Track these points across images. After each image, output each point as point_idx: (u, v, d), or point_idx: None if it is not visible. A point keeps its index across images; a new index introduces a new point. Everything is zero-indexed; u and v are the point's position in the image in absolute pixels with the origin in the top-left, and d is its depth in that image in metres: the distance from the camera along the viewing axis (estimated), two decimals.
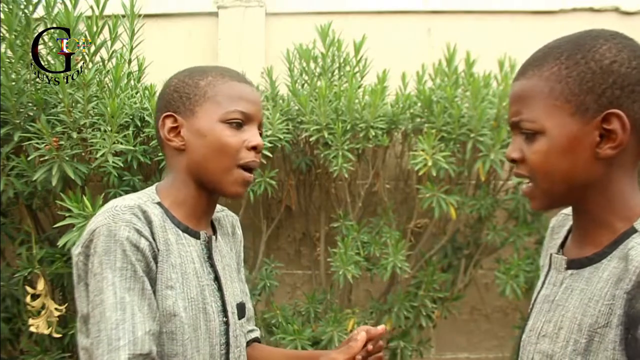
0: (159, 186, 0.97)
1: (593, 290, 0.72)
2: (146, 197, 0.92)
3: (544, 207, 0.80)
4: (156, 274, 0.86)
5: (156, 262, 0.86)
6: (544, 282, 0.85)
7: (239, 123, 0.93)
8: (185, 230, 0.93)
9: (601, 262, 0.74)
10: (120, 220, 0.83)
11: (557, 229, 0.92)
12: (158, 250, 0.86)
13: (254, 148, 0.94)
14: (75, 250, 0.85)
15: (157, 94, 1.00)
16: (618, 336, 0.67)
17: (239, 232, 1.13)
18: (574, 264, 0.78)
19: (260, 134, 0.98)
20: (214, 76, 0.95)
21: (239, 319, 1.01)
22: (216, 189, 0.95)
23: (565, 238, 0.87)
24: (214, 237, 0.99)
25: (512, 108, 0.78)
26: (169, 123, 0.94)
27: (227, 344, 0.96)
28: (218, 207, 1.07)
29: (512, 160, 0.79)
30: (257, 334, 1.15)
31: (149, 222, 0.86)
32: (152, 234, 0.86)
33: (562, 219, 0.92)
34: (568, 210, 0.91)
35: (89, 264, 0.83)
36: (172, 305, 0.86)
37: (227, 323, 0.96)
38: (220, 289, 0.96)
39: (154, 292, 0.85)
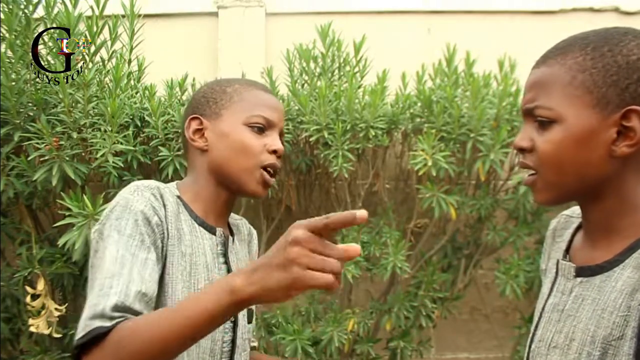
0: (179, 184, 1.00)
1: (606, 300, 0.69)
2: (168, 188, 0.95)
3: (548, 200, 0.76)
4: (164, 257, 0.87)
5: (165, 246, 0.87)
6: (551, 290, 0.81)
7: (260, 128, 0.98)
8: (202, 224, 0.96)
9: (613, 271, 0.71)
10: (138, 195, 0.86)
11: (559, 231, 0.89)
12: (169, 234, 0.88)
13: (275, 152, 0.98)
14: (94, 228, 0.87)
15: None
16: (632, 349, 0.65)
17: (255, 243, 1.15)
18: (584, 272, 0.75)
19: (282, 143, 1.02)
20: (240, 84, 1.01)
21: (250, 322, 1.02)
22: (237, 188, 0.98)
23: (570, 242, 0.84)
24: (230, 237, 1.02)
25: (528, 94, 0.75)
26: (194, 125, 0.99)
27: (233, 342, 0.96)
28: (236, 216, 1.11)
29: (520, 149, 0.76)
30: (255, 343, 1.17)
31: (164, 206, 0.89)
32: (166, 217, 0.88)
33: (564, 220, 0.89)
34: (569, 211, 0.89)
35: (103, 229, 0.84)
36: (182, 291, 0.87)
37: (234, 322, 0.96)
38: None
39: (162, 274, 0.86)
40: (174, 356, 0.73)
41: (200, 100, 1.01)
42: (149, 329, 0.71)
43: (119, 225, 0.83)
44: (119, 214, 0.84)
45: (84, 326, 0.74)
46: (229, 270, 0.98)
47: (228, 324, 0.95)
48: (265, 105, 0.99)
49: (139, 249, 0.82)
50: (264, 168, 0.98)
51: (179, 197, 0.95)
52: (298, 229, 0.67)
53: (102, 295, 0.76)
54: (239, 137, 0.96)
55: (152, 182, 0.91)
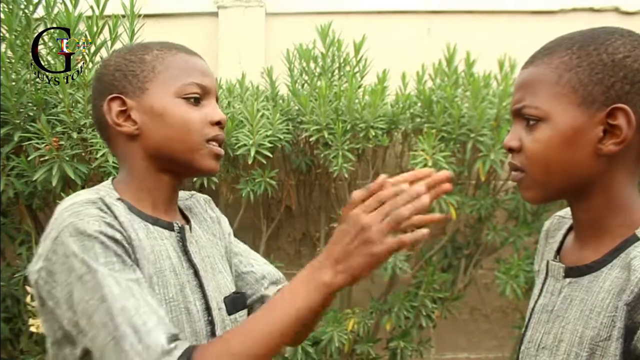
0: (114, 183, 0.86)
1: (594, 301, 0.70)
2: (105, 192, 0.81)
3: (536, 198, 0.76)
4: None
5: (132, 259, 0.76)
6: (541, 291, 0.81)
7: (197, 98, 0.84)
8: (156, 222, 0.83)
9: (601, 271, 0.71)
10: (85, 215, 0.72)
11: (552, 232, 0.89)
12: (132, 246, 0.76)
13: (218, 123, 0.85)
14: (35, 267, 0.73)
15: (98, 73, 0.88)
16: (619, 349, 0.65)
17: (215, 212, 1.02)
18: (573, 272, 0.75)
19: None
20: (159, 49, 0.85)
21: (232, 313, 0.91)
22: (186, 170, 0.86)
23: (561, 243, 0.84)
24: (187, 227, 0.89)
25: (516, 95, 0.76)
26: (116, 106, 0.82)
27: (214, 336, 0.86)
28: (185, 193, 0.98)
29: (509, 149, 0.76)
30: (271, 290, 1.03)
31: (116, 217, 0.75)
32: (123, 228, 0.75)
33: (557, 221, 0.89)
34: (563, 212, 0.89)
35: (54, 266, 0.71)
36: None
37: (212, 322, 0.86)
38: (201, 285, 0.85)
39: None
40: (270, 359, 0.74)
41: (115, 75, 0.83)
42: (243, 340, 0.71)
43: (93, 258, 0.69)
44: (80, 244, 0.70)
45: None
46: (194, 268, 0.85)
47: (208, 327, 0.85)
48: (196, 70, 0.85)
49: (127, 272, 0.71)
50: (209, 141, 0.84)
51: (120, 199, 0.81)
52: (352, 214, 0.71)
53: (144, 336, 0.67)
54: (174, 113, 0.81)
55: (91, 195, 0.76)
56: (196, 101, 0.84)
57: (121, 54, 0.86)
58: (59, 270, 0.71)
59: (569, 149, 0.71)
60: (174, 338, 0.69)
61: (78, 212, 0.72)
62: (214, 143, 0.85)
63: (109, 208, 0.76)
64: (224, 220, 1.03)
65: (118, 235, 0.73)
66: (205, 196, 1.02)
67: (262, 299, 0.99)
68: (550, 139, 0.71)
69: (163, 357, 0.66)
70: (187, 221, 0.92)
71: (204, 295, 0.85)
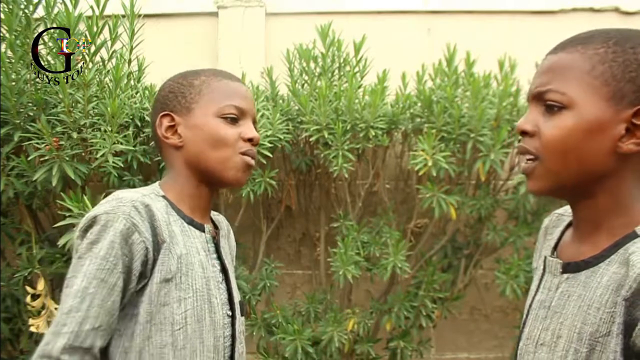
0: (161, 183, 0.99)
1: (592, 296, 0.69)
2: (150, 190, 0.94)
3: (544, 189, 0.75)
4: (153, 267, 0.87)
5: (155, 256, 0.87)
6: (538, 287, 0.81)
7: (233, 118, 0.96)
8: (191, 222, 0.95)
9: (599, 266, 0.71)
10: (120, 212, 0.84)
11: (550, 229, 0.89)
12: (162, 242, 0.88)
13: (250, 140, 0.97)
14: (76, 234, 0.88)
15: (157, 94, 1.04)
16: (619, 345, 0.65)
17: (233, 239, 1.16)
18: (570, 268, 0.75)
19: (256, 130, 1.01)
20: (207, 76, 0.99)
21: (243, 314, 1.03)
22: (218, 180, 0.97)
23: (559, 239, 0.84)
24: (216, 232, 1.03)
25: (540, 78, 0.74)
26: (166, 122, 0.97)
27: (233, 337, 0.97)
28: (214, 212, 1.10)
29: (523, 132, 0.75)
30: None
31: (151, 216, 0.88)
32: (154, 227, 0.87)
33: (556, 219, 0.89)
34: (562, 210, 0.89)
35: (79, 249, 0.85)
36: (165, 296, 0.87)
37: (232, 316, 0.98)
38: (227, 281, 0.98)
39: (145, 285, 0.87)
40: None
41: (169, 96, 0.99)
42: None
43: (94, 249, 0.83)
44: (98, 234, 0.83)
45: None
46: (222, 266, 0.99)
47: (227, 319, 0.96)
48: (236, 94, 0.98)
49: (108, 275, 0.82)
50: (242, 154, 0.97)
51: (164, 197, 0.95)
52: None
53: (54, 334, 0.79)
54: (212, 129, 0.95)
55: (135, 194, 0.89)
56: (233, 120, 0.97)
57: (175, 78, 1.01)
58: (80, 246, 0.85)
59: (589, 141, 0.70)
60: (69, 350, 0.79)
61: (117, 206, 0.85)
62: (246, 156, 0.97)
63: (146, 207, 0.87)
64: (234, 251, 1.17)
65: (135, 238, 0.85)
66: (228, 223, 1.15)
67: None
68: (572, 128, 0.70)
69: (46, 358, 0.78)
70: (216, 227, 1.06)
71: (229, 289, 0.98)
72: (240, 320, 1.01)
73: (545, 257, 0.81)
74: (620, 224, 0.72)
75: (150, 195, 0.92)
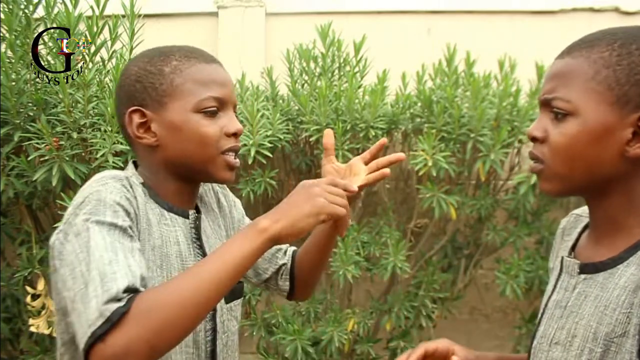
0: (139, 171, 0.90)
1: (609, 297, 0.69)
2: (131, 173, 0.87)
3: (553, 191, 0.75)
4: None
5: (138, 235, 0.80)
6: (555, 286, 0.81)
7: (214, 111, 0.87)
8: (171, 209, 0.88)
9: (617, 268, 0.70)
10: (111, 187, 0.77)
11: (568, 230, 0.88)
12: (139, 229, 0.81)
13: (234, 134, 0.89)
14: (56, 231, 0.78)
15: (120, 79, 0.91)
16: (635, 346, 0.65)
17: (228, 199, 1.06)
18: (588, 269, 0.75)
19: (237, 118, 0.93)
20: (178, 59, 0.87)
21: (228, 301, 0.94)
22: (204, 178, 0.91)
23: (577, 240, 0.83)
24: (199, 216, 0.94)
25: (548, 85, 0.74)
26: (136, 119, 0.86)
27: (214, 330, 0.91)
28: (204, 184, 1.01)
29: (533, 139, 0.75)
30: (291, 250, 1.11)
31: (135, 197, 0.81)
32: (138, 208, 0.81)
33: (574, 219, 0.88)
34: (580, 210, 0.88)
35: (71, 229, 0.74)
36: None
37: (213, 308, 0.89)
38: None
39: None
40: (206, 311, 0.72)
41: (136, 86, 0.86)
42: (180, 286, 0.70)
43: (97, 217, 0.73)
44: (93, 207, 0.74)
45: (99, 314, 0.65)
46: (204, 256, 0.90)
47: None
48: (214, 82, 0.87)
49: (124, 238, 0.74)
50: (225, 152, 0.88)
51: (143, 183, 0.87)
52: (309, 181, 0.81)
53: (109, 281, 0.68)
54: (193, 128, 0.85)
55: (120, 173, 0.82)
56: (213, 114, 0.87)
57: (141, 63, 0.88)
58: (72, 232, 0.74)
59: (595, 147, 0.69)
60: (132, 290, 0.68)
61: (105, 183, 0.78)
62: (230, 153, 0.90)
63: (131, 187, 0.82)
64: (238, 205, 1.09)
65: (131, 210, 0.78)
66: (222, 186, 1.07)
67: (280, 269, 1.09)
68: (577, 135, 0.70)
69: (112, 302, 0.66)
70: (198, 210, 0.96)
71: None
72: (224, 308, 0.93)
73: (563, 258, 0.81)
74: (636, 223, 0.71)
75: (132, 177, 0.85)
